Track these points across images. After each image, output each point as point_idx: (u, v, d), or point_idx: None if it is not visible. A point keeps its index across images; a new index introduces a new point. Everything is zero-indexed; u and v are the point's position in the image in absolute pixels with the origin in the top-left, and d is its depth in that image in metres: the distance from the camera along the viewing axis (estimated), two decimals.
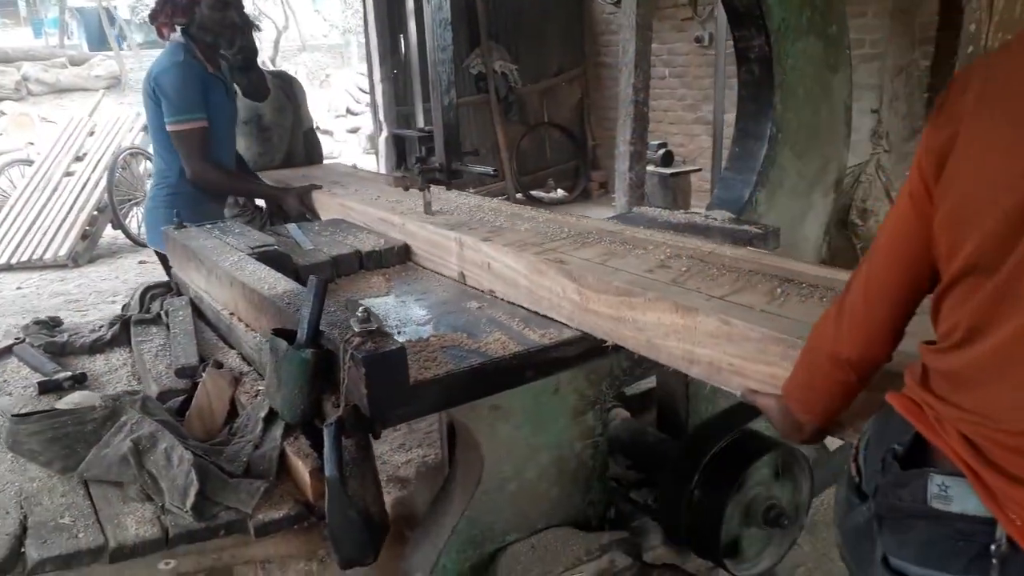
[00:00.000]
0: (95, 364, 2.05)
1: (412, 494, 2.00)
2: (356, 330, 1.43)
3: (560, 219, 2.22)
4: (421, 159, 2.19)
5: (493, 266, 1.93)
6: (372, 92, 6.91)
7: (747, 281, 1.56)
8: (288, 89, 3.83)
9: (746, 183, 2.72)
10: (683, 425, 2.18)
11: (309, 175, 3.45)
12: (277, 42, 19.15)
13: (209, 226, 2.45)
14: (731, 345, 1.36)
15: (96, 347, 2.11)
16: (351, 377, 1.41)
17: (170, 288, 2.41)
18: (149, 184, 3.27)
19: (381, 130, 6.81)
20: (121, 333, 2.17)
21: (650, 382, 2.32)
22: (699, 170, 6.05)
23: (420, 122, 2.89)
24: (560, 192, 7.71)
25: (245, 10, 3.37)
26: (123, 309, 2.37)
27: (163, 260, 3.23)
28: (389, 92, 6.77)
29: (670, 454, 2.00)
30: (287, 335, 1.51)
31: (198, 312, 2.20)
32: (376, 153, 7.17)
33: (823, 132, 2.82)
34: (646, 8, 4.33)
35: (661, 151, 5.46)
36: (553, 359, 1.69)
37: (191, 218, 2.78)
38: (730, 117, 3.41)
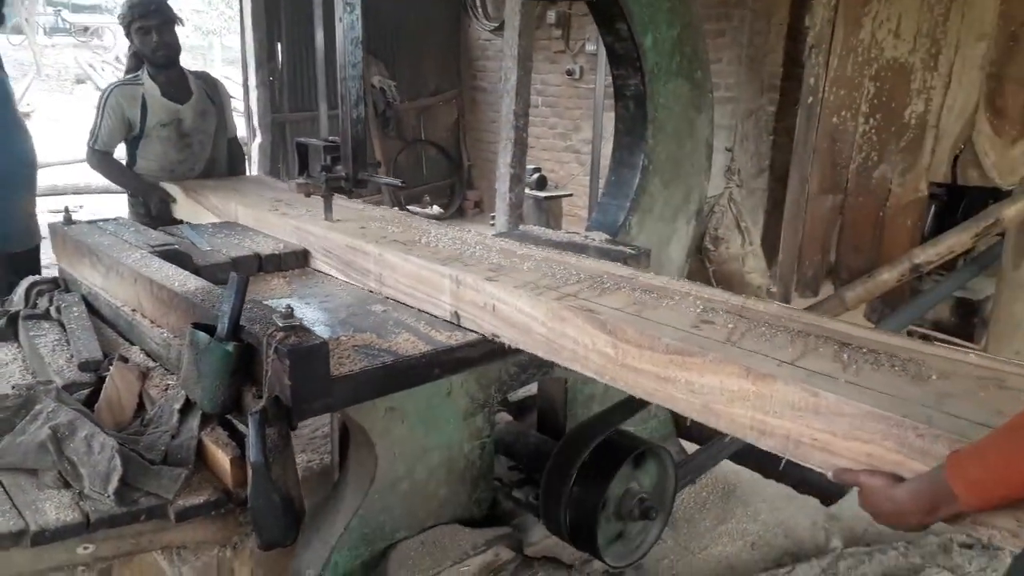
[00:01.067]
0: None
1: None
2: (280, 325, 1.52)
3: (556, 258, 2.06)
4: (326, 167, 2.28)
5: (500, 309, 1.77)
6: (246, 98, 6.80)
7: (805, 344, 1.45)
8: (212, 91, 3.59)
9: (620, 208, 2.94)
10: (562, 427, 2.34)
11: (239, 189, 3.25)
12: None
13: (101, 223, 2.43)
14: (818, 419, 1.25)
15: None
16: (274, 369, 1.49)
17: (57, 284, 2.36)
18: None
19: (255, 136, 6.71)
20: (7, 328, 2.11)
21: (531, 388, 2.44)
22: (570, 195, 6.37)
23: (324, 131, 2.91)
24: (436, 208, 7.85)
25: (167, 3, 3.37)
26: (2, 304, 2.30)
27: None
28: (264, 98, 6.68)
29: (550, 454, 2.11)
30: (207, 329, 1.57)
31: (91, 309, 2.18)
32: (248, 159, 7.04)
33: (687, 165, 3.11)
34: (527, 40, 4.58)
35: (536, 175, 5.73)
36: (459, 359, 1.81)
37: None
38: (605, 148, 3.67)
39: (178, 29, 3.43)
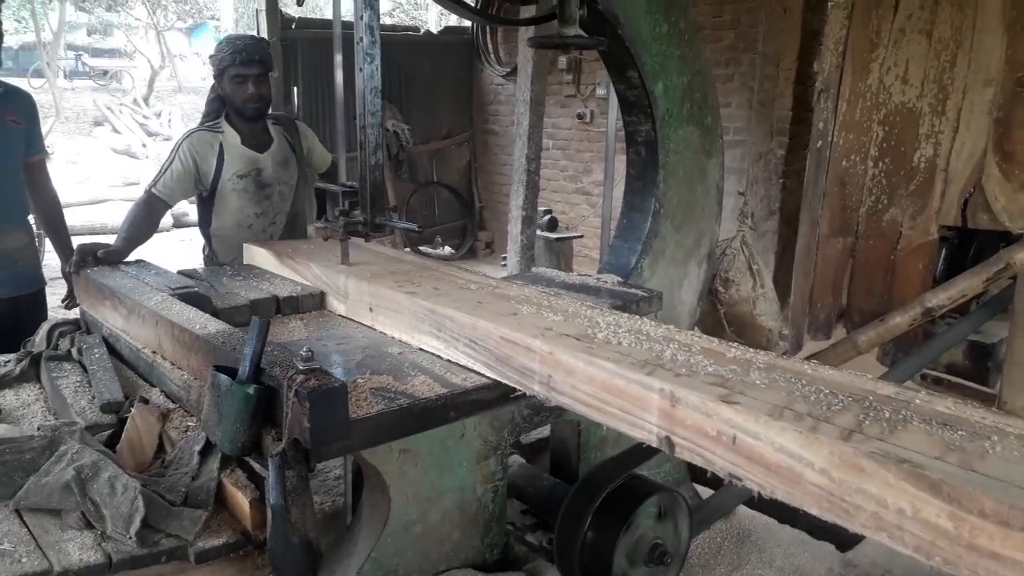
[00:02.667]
0: (4, 399, 2.02)
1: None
2: (300, 368, 1.55)
3: (787, 367, 1.58)
4: (344, 212, 2.32)
5: (746, 444, 1.33)
6: None
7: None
8: (292, 137, 3.28)
9: (632, 251, 2.97)
10: (575, 471, 2.34)
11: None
12: (152, 81, 18.61)
13: (122, 266, 2.47)
14: None
15: (4, 382, 2.08)
16: (294, 412, 1.51)
17: (78, 326, 2.40)
18: None
19: None
20: (30, 369, 2.15)
21: (544, 430, 2.45)
22: (581, 236, 6.42)
23: (343, 175, 2.91)
24: (447, 249, 7.92)
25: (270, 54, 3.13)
26: (24, 346, 2.34)
27: None
28: None
29: (564, 498, 2.08)
30: (228, 372, 1.60)
31: (112, 350, 2.22)
32: None
33: (698, 209, 3.14)
34: (539, 86, 4.68)
35: (547, 217, 5.79)
36: (473, 401, 1.83)
37: None
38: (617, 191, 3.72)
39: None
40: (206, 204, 3.20)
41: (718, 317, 4.18)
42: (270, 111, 3.28)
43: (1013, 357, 3.52)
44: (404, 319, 2.09)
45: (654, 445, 1.49)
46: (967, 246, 4.36)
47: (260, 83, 3.06)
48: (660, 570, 2.14)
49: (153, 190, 3.06)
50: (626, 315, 1.99)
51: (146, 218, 3.04)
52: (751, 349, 1.69)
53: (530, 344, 1.71)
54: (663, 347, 1.67)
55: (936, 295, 2.93)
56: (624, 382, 1.51)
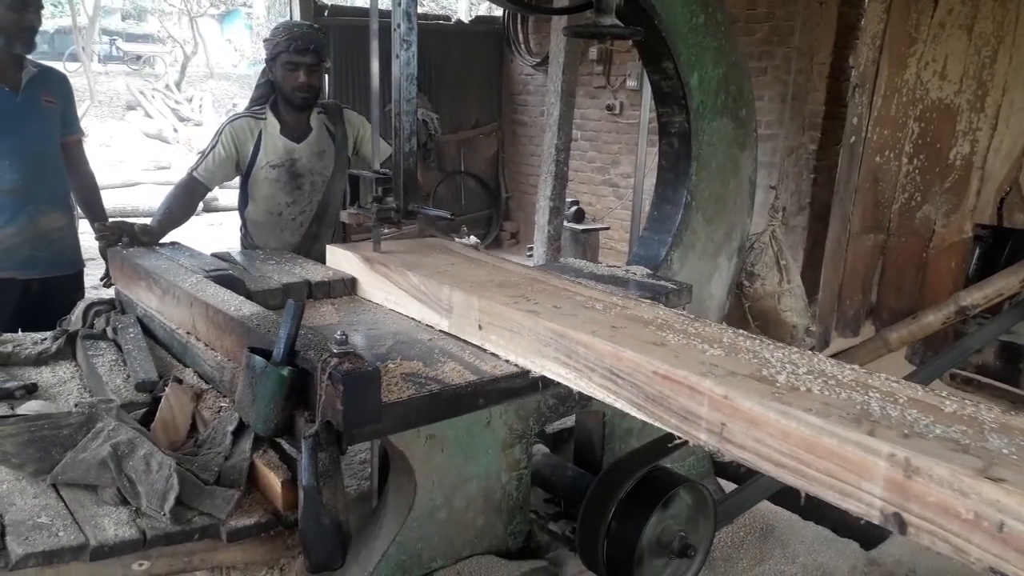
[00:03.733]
0: (41, 376, 2.06)
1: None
2: (335, 351, 1.56)
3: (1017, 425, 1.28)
4: (378, 199, 2.33)
5: (1014, 530, 1.03)
6: None
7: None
8: (334, 125, 3.24)
9: (662, 243, 2.96)
10: (599, 461, 2.34)
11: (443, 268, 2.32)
12: (184, 67, 18.78)
13: (157, 247, 2.51)
14: None
15: (41, 359, 2.12)
16: (328, 394, 1.53)
17: (113, 306, 2.44)
18: None
19: None
20: (66, 347, 2.19)
21: (569, 420, 2.45)
22: (607, 228, 6.40)
23: (375, 163, 2.91)
24: (473, 239, 7.92)
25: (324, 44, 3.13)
26: (60, 324, 2.38)
27: None
28: None
29: (587, 488, 2.09)
30: (263, 353, 1.62)
31: (146, 330, 2.25)
32: None
33: (730, 202, 3.12)
34: (570, 76, 4.66)
35: (573, 208, 5.77)
36: (504, 389, 1.83)
37: None
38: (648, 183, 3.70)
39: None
40: (243, 187, 3.24)
41: (743, 311, 4.16)
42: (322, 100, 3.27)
43: None
44: (523, 341, 1.82)
45: (876, 522, 1.21)
46: (1002, 246, 4.28)
47: (311, 72, 3.06)
48: (684, 563, 2.14)
49: (195, 173, 3.10)
50: (795, 350, 1.68)
51: (185, 200, 3.11)
52: (968, 399, 1.39)
53: (697, 385, 1.40)
54: (863, 396, 1.38)
55: (971, 294, 2.89)
56: (835, 442, 1.21)
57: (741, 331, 1.78)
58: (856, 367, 1.56)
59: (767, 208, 4.05)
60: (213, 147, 3.11)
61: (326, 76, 6.96)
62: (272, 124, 3.13)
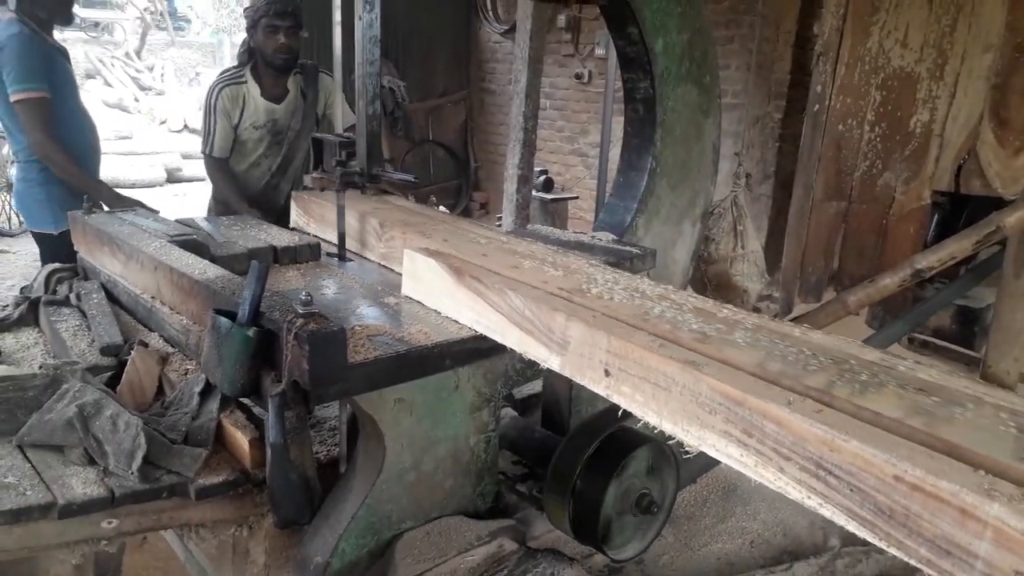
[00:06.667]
0: (4, 342, 2.04)
1: None
2: (300, 311, 1.57)
3: (774, 328, 1.51)
4: (341, 162, 2.32)
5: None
6: None
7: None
8: (307, 86, 3.45)
9: (628, 209, 2.99)
10: (566, 423, 2.37)
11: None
12: (144, 35, 18.33)
13: (120, 213, 2.49)
14: None
15: (2, 326, 2.10)
16: (293, 354, 1.54)
17: (76, 272, 2.42)
18: (14, 168, 3.13)
19: None
20: (28, 313, 2.17)
21: (536, 386, 2.49)
22: (576, 197, 6.42)
23: (339, 127, 3.00)
24: (442, 209, 7.91)
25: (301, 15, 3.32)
26: (23, 291, 2.35)
27: (42, 242, 3.14)
28: None
29: (554, 449, 2.11)
30: (228, 315, 1.62)
31: (110, 296, 2.23)
32: None
33: (694, 169, 3.16)
34: (538, 43, 4.64)
35: (542, 177, 5.78)
36: (470, 350, 1.85)
37: (52, 197, 2.87)
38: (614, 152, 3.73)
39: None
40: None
41: (701, 274, 4.23)
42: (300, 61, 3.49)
43: (999, 322, 3.57)
44: (673, 401, 1.34)
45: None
46: (959, 212, 4.39)
47: (290, 35, 3.25)
48: (647, 520, 2.20)
49: (214, 154, 3.38)
50: (627, 275, 1.84)
51: (229, 177, 3.42)
52: (746, 312, 1.60)
53: (976, 510, 0.93)
54: (655, 304, 1.63)
55: (926, 257, 2.96)
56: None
57: (597, 264, 2.02)
58: (669, 287, 1.79)
59: (731, 176, 4.10)
60: (215, 124, 3.33)
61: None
62: (253, 87, 3.33)
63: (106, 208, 2.99)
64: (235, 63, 3.47)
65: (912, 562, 1.03)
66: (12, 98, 2.90)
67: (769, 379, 1.26)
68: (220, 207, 3.49)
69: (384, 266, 2.38)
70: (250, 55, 3.36)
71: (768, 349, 1.40)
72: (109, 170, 10.02)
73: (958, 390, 1.27)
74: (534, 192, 5.64)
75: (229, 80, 3.35)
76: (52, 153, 3.00)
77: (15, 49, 2.87)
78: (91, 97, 15.20)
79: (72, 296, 2.21)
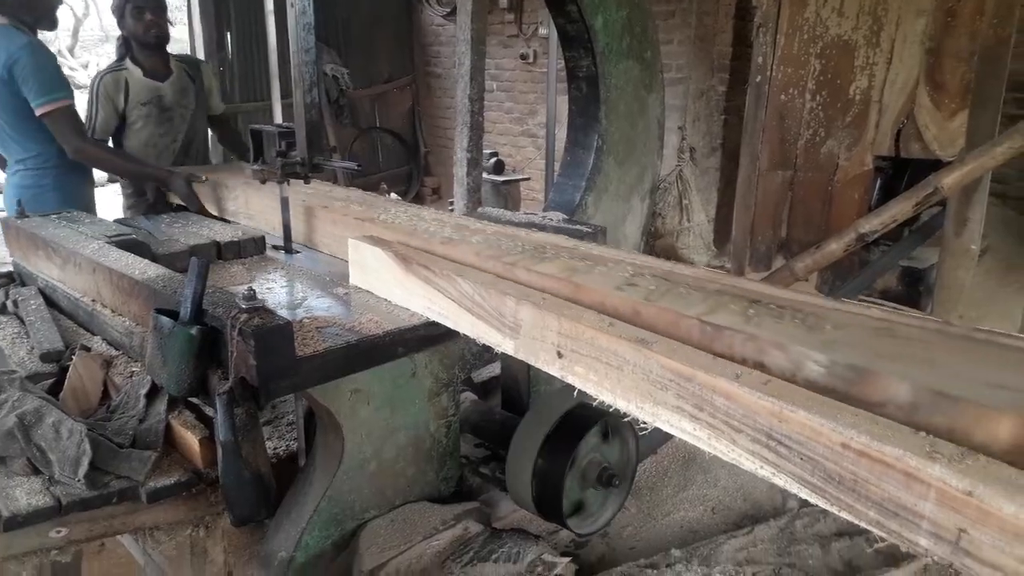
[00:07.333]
0: None
1: None
2: (243, 307, 1.54)
3: (509, 232, 1.97)
4: (282, 153, 2.28)
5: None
6: None
7: (717, 301, 1.40)
8: (193, 71, 3.76)
9: (576, 188, 3.00)
10: (525, 405, 2.38)
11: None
12: (76, 31, 17.76)
13: (55, 216, 2.41)
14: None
15: None
16: (239, 351, 1.51)
17: (12, 278, 2.34)
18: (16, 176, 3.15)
19: None
20: None
21: (495, 368, 2.50)
22: (528, 179, 6.41)
23: (278, 118, 2.98)
24: (394, 196, 7.84)
25: None
26: None
27: None
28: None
29: (515, 430, 2.11)
30: (170, 314, 1.59)
31: (49, 301, 2.17)
32: None
33: (640, 145, 3.17)
34: (479, 24, 4.60)
35: (493, 160, 5.75)
36: (423, 336, 1.84)
37: (67, 203, 2.85)
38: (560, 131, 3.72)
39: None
40: (117, 134, 3.55)
41: (651, 248, 4.28)
42: (177, 52, 3.76)
43: (943, 280, 3.68)
44: (625, 380, 1.34)
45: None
46: (901, 176, 4.49)
47: (157, 13, 3.45)
48: (609, 493, 2.22)
49: (95, 136, 3.41)
50: (462, 220, 2.14)
51: (117, 150, 3.49)
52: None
53: (919, 472, 0.97)
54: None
55: (869, 220, 3.03)
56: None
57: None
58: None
59: (676, 151, 4.14)
60: (96, 110, 3.44)
61: (228, 34, 6.72)
62: (134, 71, 3.49)
63: (175, 194, 3.06)
64: (115, 57, 3.67)
65: (864, 523, 1.05)
66: (39, 111, 2.88)
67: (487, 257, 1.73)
68: (133, 186, 3.57)
69: (333, 256, 2.35)
70: (127, 47, 3.56)
71: (494, 243, 1.87)
72: None
73: (619, 260, 1.70)
74: (485, 175, 5.62)
75: (110, 70, 3.52)
76: (97, 156, 3.11)
77: (32, 61, 2.84)
78: None
79: (9, 303, 2.15)
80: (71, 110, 2.96)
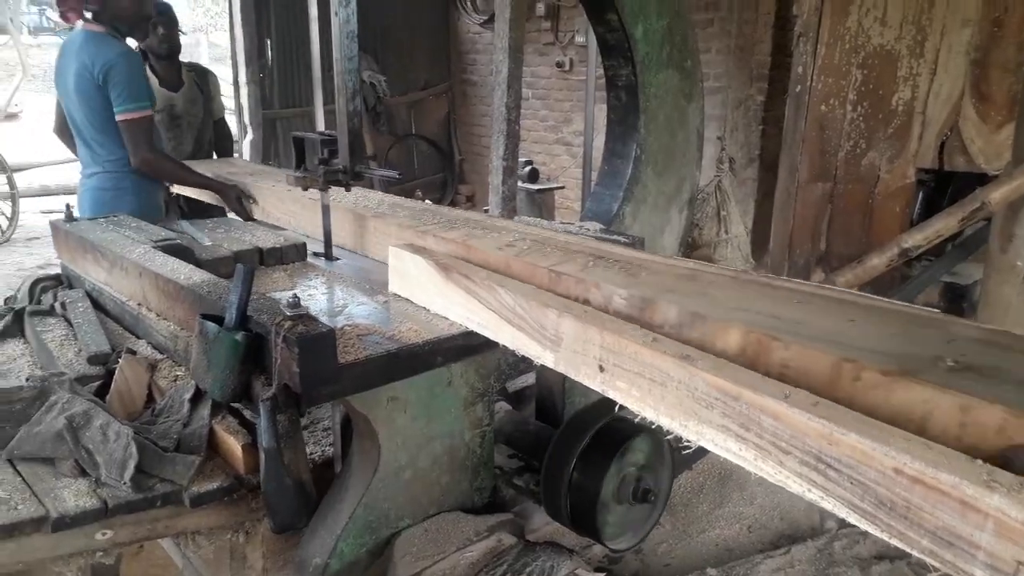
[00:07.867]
0: None
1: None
2: (288, 314, 1.55)
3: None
4: (324, 161, 2.30)
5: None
6: (236, 94, 6.82)
7: (569, 257, 1.76)
8: (201, 81, 3.99)
9: (614, 198, 2.99)
10: (560, 415, 2.37)
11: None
12: None
13: (102, 220, 2.45)
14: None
15: None
16: (283, 357, 1.52)
17: (60, 281, 2.39)
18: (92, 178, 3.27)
19: (246, 132, 6.73)
20: (13, 324, 2.14)
21: (530, 378, 2.47)
22: (562, 187, 6.40)
23: (320, 125, 3.04)
24: (428, 203, 7.88)
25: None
26: (7, 302, 2.32)
27: None
28: (255, 95, 6.71)
29: (550, 441, 2.11)
30: (216, 320, 1.61)
31: (96, 304, 2.21)
32: (240, 155, 7.07)
33: (679, 155, 3.15)
34: (517, 32, 4.62)
35: (527, 168, 5.75)
36: (461, 346, 1.84)
37: (142, 206, 3.04)
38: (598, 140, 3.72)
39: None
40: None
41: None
42: (189, 61, 4.05)
43: (987, 297, 3.60)
44: (669, 396, 1.31)
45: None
46: (944, 190, 4.41)
47: (168, 27, 3.69)
48: (645, 509, 2.20)
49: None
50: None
51: (180, 166, 3.54)
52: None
53: (976, 501, 0.93)
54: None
55: (912, 235, 2.97)
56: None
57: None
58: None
59: (715, 161, 4.10)
60: None
61: (268, 42, 6.82)
62: (152, 80, 3.66)
63: (226, 205, 3.15)
64: None
65: (915, 553, 1.01)
66: (120, 117, 3.00)
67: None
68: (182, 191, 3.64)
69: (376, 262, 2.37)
70: (144, 57, 3.70)
71: (417, 216, 2.33)
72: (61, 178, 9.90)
73: (510, 230, 2.09)
74: (520, 183, 5.62)
75: None
76: (160, 166, 3.20)
77: (125, 69, 2.98)
78: None
79: (57, 306, 2.19)
80: (149, 121, 3.09)
